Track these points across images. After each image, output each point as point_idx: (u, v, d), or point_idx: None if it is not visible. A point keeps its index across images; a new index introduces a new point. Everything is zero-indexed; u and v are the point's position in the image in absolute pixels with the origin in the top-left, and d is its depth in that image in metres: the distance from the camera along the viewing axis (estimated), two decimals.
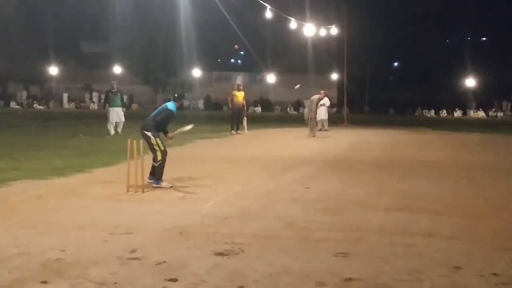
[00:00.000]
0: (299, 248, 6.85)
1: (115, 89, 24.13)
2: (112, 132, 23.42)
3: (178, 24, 60.41)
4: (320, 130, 31.01)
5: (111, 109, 23.78)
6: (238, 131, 26.87)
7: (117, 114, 23.74)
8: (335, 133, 30.26)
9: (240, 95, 27.17)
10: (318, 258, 6.44)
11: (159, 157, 11.10)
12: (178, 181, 11.81)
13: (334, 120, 33.69)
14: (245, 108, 27.94)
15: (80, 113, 57.38)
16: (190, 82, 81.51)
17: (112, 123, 23.70)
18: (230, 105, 28.57)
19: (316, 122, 30.31)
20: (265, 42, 74.90)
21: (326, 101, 32.14)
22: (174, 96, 12.10)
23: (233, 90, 28.53)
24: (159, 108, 12.10)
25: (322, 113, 31.67)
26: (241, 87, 27.84)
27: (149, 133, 11.19)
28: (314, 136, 26.42)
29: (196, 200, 9.79)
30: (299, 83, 26.94)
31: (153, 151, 11.19)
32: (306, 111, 28.42)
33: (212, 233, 7.42)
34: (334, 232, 7.65)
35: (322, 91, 28.63)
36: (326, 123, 32.13)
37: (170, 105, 11.73)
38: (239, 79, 71.78)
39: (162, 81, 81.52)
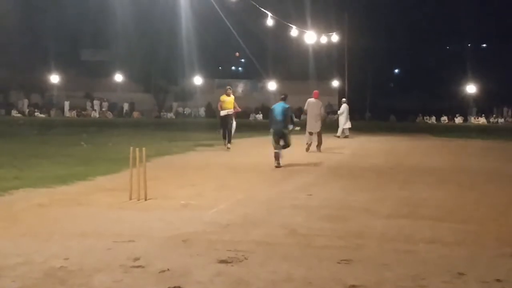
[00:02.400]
0: (302, 255, 6.85)
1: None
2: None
3: (179, 32, 60.57)
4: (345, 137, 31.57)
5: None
6: (229, 145, 22.62)
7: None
8: (336, 140, 30.27)
9: (229, 101, 23.18)
10: (321, 265, 6.44)
11: (291, 143, 17.31)
12: (181, 189, 11.83)
13: (335, 126, 33.73)
14: (237, 110, 23.59)
15: (82, 121, 57.43)
16: (191, 89, 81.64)
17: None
18: (219, 114, 23.71)
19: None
20: (266, 50, 75.14)
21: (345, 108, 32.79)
22: (284, 97, 17.85)
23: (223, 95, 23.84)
24: (281, 110, 17.11)
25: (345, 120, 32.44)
26: (230, 92, 23.52)
27: (288, 129, 17.15)
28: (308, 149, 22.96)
29: (198, 207, 9.79)
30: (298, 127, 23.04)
31: (286, 139, 17.11)
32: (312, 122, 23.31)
33: (215, 241, 7.42)
34: (337, 239, 7.65)
35: (315, 91, 24.69)
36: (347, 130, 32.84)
37: (285, 104, 17.31)
38: (240, 87, 71.88)
39: (163, 89, 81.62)
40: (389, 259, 6.69)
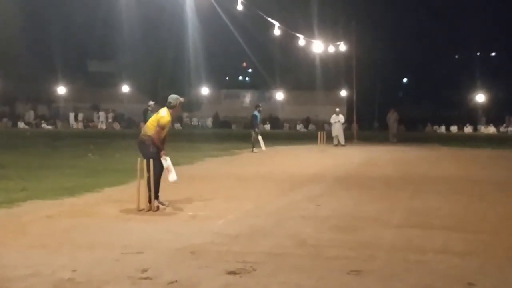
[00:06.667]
0: (311, 266, 6.80)
1: (151, 109, 26.59)
2: None
3: (185, 42, 60.65)
4: (337, 146, 31.94)
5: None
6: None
7: None
8: (345, 150, 30.24)
9: (149, 123, 11.44)
10: (331, 276, 6.39)
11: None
12: (189, 199, 11.80)
13: (344, 136, 33.73)
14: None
15: (88, 132, 57.46)
16: (198, 100, 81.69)
17: None
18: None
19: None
20: (273, 59, 75.01)
21: (341, 118, 33.29)
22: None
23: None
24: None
25: (336, 129, 32.85)
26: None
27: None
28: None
29: (207, 218, 9.75)
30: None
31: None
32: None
33: (223, 252, 7.38)
34: (346, 250, 7.60)
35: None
36: (342, 139, 33.55)
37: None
38: (248, 97, 71.59)
39: None
40: (399, 270, 6.64)
